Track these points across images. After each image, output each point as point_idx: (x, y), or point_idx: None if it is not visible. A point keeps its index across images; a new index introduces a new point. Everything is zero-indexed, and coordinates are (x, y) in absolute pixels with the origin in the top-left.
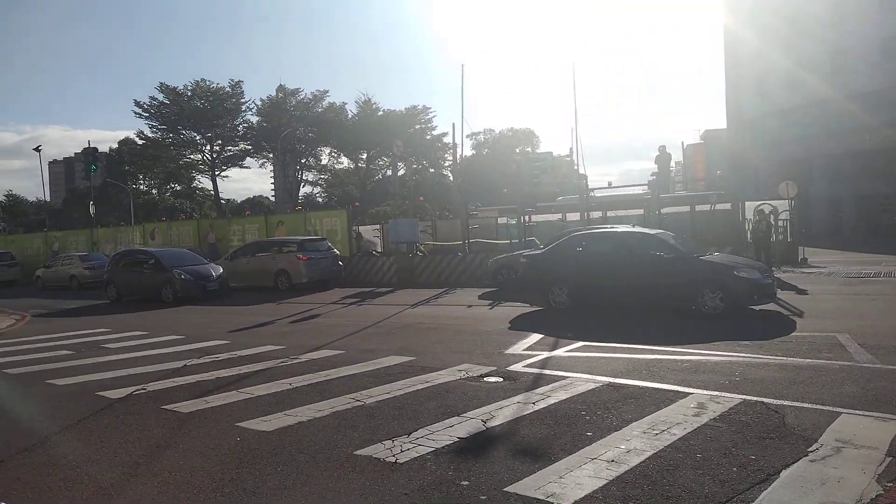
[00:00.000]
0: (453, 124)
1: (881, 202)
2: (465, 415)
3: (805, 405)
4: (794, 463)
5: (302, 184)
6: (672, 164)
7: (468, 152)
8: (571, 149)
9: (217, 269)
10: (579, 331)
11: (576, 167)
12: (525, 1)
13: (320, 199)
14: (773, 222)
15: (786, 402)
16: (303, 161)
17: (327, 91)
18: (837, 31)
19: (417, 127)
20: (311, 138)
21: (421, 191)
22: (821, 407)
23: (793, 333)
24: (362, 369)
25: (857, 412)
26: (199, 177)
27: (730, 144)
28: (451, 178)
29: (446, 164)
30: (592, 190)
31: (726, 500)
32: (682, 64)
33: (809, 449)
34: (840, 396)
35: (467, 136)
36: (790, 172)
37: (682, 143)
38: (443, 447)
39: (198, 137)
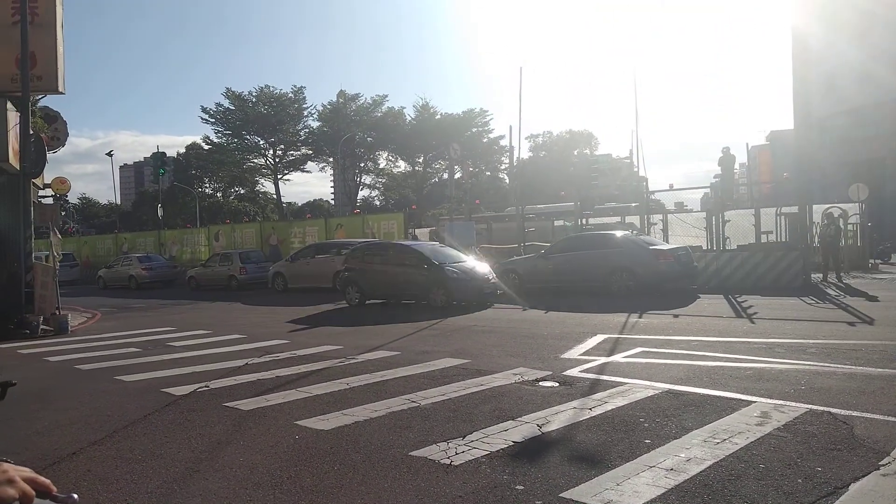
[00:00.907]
0: (510, 126)
1: None
2: (519, 419)
3: (876, 416)
4: (864, 476)
5: (360, 187)
6: (736, 165)
7: (525, 154)
8: (631, 150)
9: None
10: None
11: (636, 169)
12: (585, 2)
13: (378, 203)
14: (842, 226)
15: (855, 413)
16: (361, 165)
17: (387, 96)
18: None
19: (474, 130)
20: (369, 143)
21: (477, 193)
22: (893, 419)
23: (862, 341)
24: (418, 370)
25: None
26: (262, 180)
27: (796, 145)
28: (508, 181)
29: (503, 166)
30: (653, 192)
31: None
32: (747, 63)
33: (881, 462)
34: None
35: (525, 139)
36: (861, 174)
37: (747, 144)
38: (497, 451)
39: (261, 142)
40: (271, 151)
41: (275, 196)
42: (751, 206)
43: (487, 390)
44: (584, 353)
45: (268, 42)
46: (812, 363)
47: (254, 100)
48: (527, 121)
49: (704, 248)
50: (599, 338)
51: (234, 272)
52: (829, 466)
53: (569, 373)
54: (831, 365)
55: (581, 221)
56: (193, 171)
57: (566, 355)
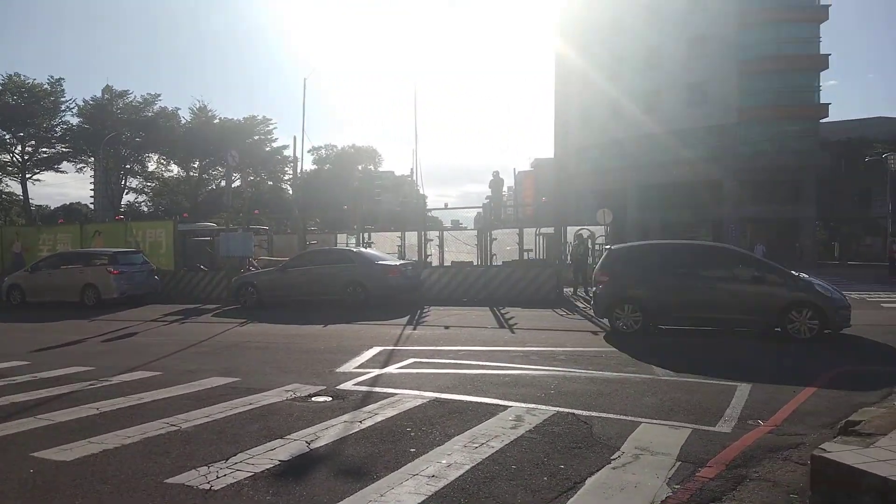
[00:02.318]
0: (294, 137)
1: (684, 230)
2: (288, 437)
3: (611, 415)
4: (598, 470)
5: (125, 191)
6: (505, 188)
7: (309, 167)
8: (412, 169)
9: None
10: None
11: (417, 187)
12: (370, 21)
13: (146, 209)
14: (590, 246)
15: (594, 413)
16: (127, 167)
17: (159, 95)
18: (654, 72)
19: (256, 137)
20: (137, 143)
21: (258, 204)
22: (624, 417)
23: (603, 349)
24: (181, 391)
25: (655, 421)
26: (7, 179)
27: (556, 172)
28: (291, 192)
29: (286, 177)
30: (430, 210)
31: None
32: (522, 93)
33: (612, 457)
34: (641, 407)
35: (308, 151)
36: (608, 200)
37: (514, 169)
38: (262, 471)
39: (7, 136)
40: (19, 147)
41: (21, 197)
42: (516, 225)
43: (256, 409)
44: (359, 367)
45: (27, 32)
46: (561, 369)
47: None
48: (311, 132)
49: (475, 263)
50: (375, 350)
51: None
52: (570, 463)
53: (342, 386)
54: (577, 370)
55: (362, 236)
56: None
57: (341, 369)
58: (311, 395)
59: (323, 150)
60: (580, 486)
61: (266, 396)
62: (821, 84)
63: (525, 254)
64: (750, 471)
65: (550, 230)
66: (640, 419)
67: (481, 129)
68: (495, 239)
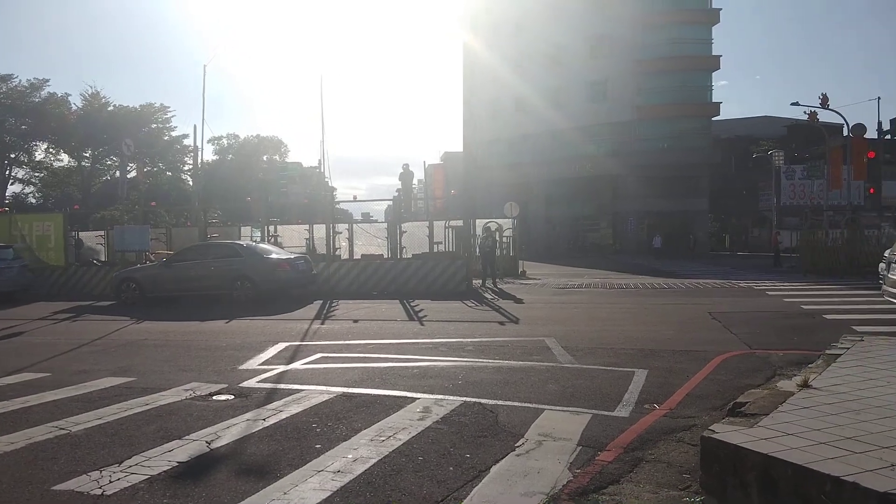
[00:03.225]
0: (195, 126)
1: (586, 223)
2: (187, 437)
3: (516, 403)
4: (503, 458)
5: (10, 181)
6: (415, 181)
7: (211, 157)
8: (320, 160)
9: None
10: None
11: (326, 179)
12: (275, 7)
13: (33, 201)
14: (498, 238)
15: (500, 402)
16: (12, 156)
17: (48, 80)
18: (557, 69)
19: (154, 126)
20: (24, 131)
21: (156, 195)
22: (528, 405)
23: (509, 338)
24: (71, 393)
25: (558, 408)
26: None
27: (465, 166)
28: (191, 184)
29: (186, 167)
30: (338, 202)
31: (442, 498)
32: (432, 87)
33: (517, 444)
34: (544, 394)
35: (210, 141)
36: (514, 194)
37: (424, 162)
38: (159, 474)
39: None
40: None
41: None
42: (426, 218)
43: (153, 410)
44: (263, 363)
45: None
46: (469, 359)
47: None
48: (213, 122)
49: (386, 255)
50: (281, 346)
51: None
52: (476, 452)
53: (246, 384)
54: (484, 360)
55: (267, 229)
56: None
57: (244, 366)
58: (211, 394)
59: (225, 140)
60: (485, 474)
61: (163, 396)
62: (713, 84)
63: (435, 246)
64: (646, 453)
65: (460, 223)
66: (543, 406)
67: (391, 121)
68: (405, 231)
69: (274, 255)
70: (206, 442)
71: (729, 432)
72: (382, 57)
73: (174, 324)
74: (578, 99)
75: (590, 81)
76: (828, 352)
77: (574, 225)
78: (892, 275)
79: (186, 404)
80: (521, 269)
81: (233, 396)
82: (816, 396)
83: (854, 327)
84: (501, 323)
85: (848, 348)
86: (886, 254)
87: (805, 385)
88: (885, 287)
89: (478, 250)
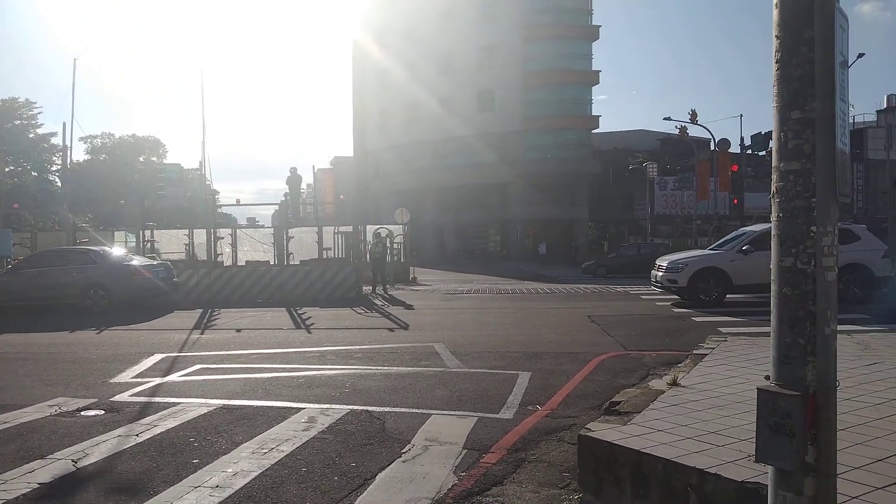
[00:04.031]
0: (63, 124)
1: (475, 230)
2: (51, 456)
3: (403, 410)
4: (388, 465)
5: None
6: (304, 186)
7: (82, 157)
8: (201, 162)
9: None
10: None
11: (207, 182)
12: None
13: None
14: (388, 245)
15: (387, 409)
16: None
17: None
18: (447, 78)
19: (17, 122)
20: None
21: (20, 197)
22: (416, 410)
23: (399, 345)
24: None
25: (445, 412)
26: None
27: (355, 172)
28: (60, 185)
29: (54, 167)
30: (220, 206)
31: None
32: (322, 90)
33: (403, 450)
34: (432, 399)
35: (81, 139)
36: (405, 201)
37: (314, 166)
38: (17, 497)
39: None
40: None
41: None
42: (315, 224)
43: (12, 428)
44: (137, 376)
45: None
46: (357, 367)
47: None
48: (85, 120)
49: (272, 262)
50: (157, 357)
51: None
52: (362, 461)
53: (117, 398)
54: (372, 367)
55: (143, 234)
56: None
57: (116, 379)
58: (79, 409)
59: (98, 140)
60: (371, 482)
61: (25, 413)
62: (593, 98)
63: (324, 253)
64: (528, 453)
65: (349, 228)
66: (430, 411)
67: (279, 124)
68: (293, 237)
69: (131, 262)
70: (73, 461)
71: (604, 430)
72: (270, 57)
73: (38, 335)
74: (469, 107)
75: (479, 90)
76: (695, 352)
77: (464, 232)
78: (656, 272)
79: (51, 421)
80: (411, 276)
81: (103, 411)
82: (684, 394)
83: (720, 329)
84: (391, 329)
85: (713, 348)
86: (657, 261)
87: (674, 384)
88: (653, 282)
89: (368, 256)
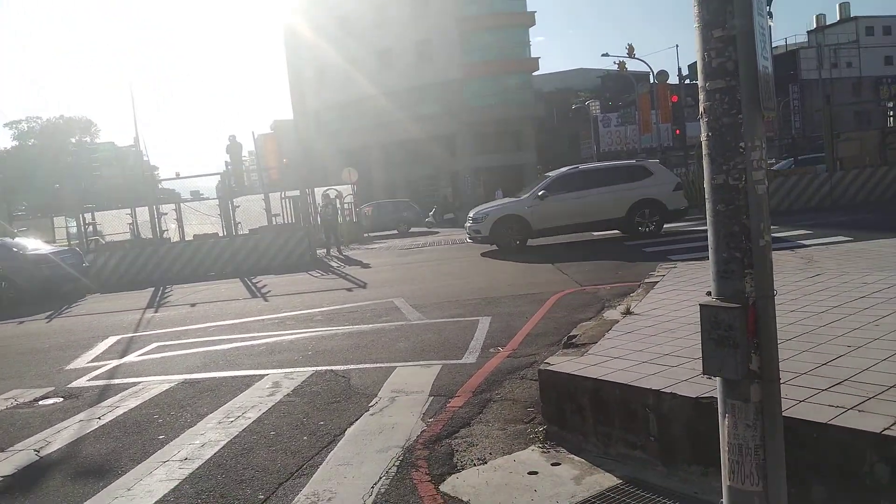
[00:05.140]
0: None
1: (426, 183)
2: (11, 449)
3: (367, 365)
4: (357, 420)
5: None
6: (245, 153)
7: (10, 143)
8: (136, 138)
9: None
10: None
11: (145, 158)
12: None
13: None
14: (339, 206)
15: (352, 366)
16: None
17: None
18: (381, 32)
19: None
20: None
21: None
22: (380, 364)
23: (358, 303)
24: None
25: (409, 363)
26: None
27: (296, 134)
28: None
29: None
30: (161, 181)
31: (297, 469)
32: (254, 52)
33: (370, 404)
34: (395, 352)
35: (6, 125)
36: (352, 160)
37: (253, 132)
38: None
39: None
40: None
41: None
42: (261, 191)
43: None
44: (93, 360)
45: None
46: (318, 329)
47: None
48: (6, 104)
49: (221, 234)
50: (111, 340)
51: None
52: (330, 418)
53: (75, 384)
54: (333, 328)
55: (83, 217)
56: None
57: (72, 366)
58: (36, 399)
59: (25, 124)
60: (340, 437)
61: None
62: (531, 40)
63: (273, 219)
64: (493, 394)
65: (297, 193)
66: (395, 364)
67: (214, 92)
68: (239, 206)
69: (34, 251)
70: (35, 450)
71: (563, 363)
72: (197, 20)
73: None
74: (406, 60)
75: (415, 41)
76: (646, 280)
77: (415, 186)
78: (468, 223)
79: (8, 414)
80: (365, 234)
81: (61, 399)
82: (638, 321)
83: (670, 257)
84: (349, 289)
85: (663, 275)
86: (469, 213)
87: (628, 312)
88: (466, 233)
89: (319, 219)
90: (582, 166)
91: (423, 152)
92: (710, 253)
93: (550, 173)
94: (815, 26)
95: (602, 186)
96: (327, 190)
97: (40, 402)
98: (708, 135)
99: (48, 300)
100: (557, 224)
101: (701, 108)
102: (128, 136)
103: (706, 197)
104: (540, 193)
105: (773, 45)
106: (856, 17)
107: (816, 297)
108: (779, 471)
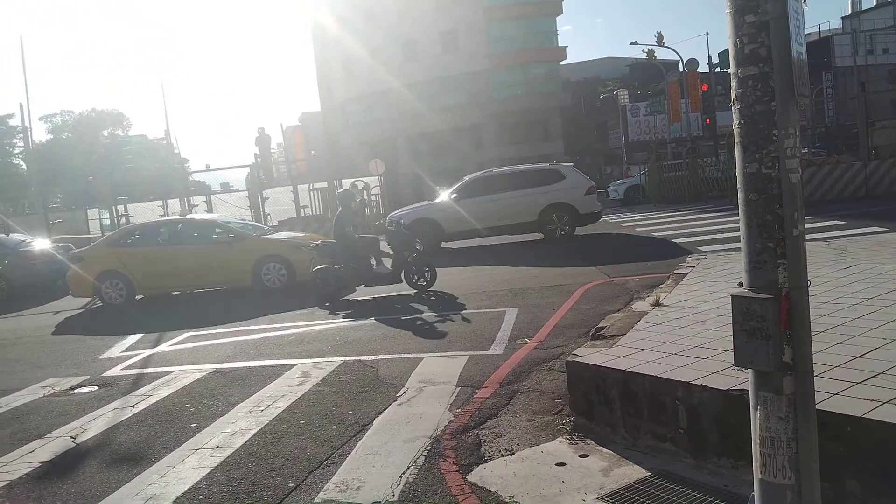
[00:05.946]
0: (20, 104)
1: (452, 174)
2: (49, 435)
3: (395, 356)
4: (385, 409)
5: None
6: (274, 145)
7: (44, 137)
8: (167, 131)
9: None
10: None
11: (176, 150)
12: None
13: None
14: (366, 197)
15: (380, 357)
16: None
17: None
18: (406, 24)
19: None
20: None
21: None
22: (408, 355)
23: (386, 294)
24: None
25: (436, 354)
26: None
27: (324, 126)
28: (25, 168)
29: (16, 150)
30: (192, 173)
31: (326, 457)
32: (283, 45)
33: (398, 394)
34: (423, 344)
35: (41, 119)
36: (378, 152)
37: (282, 125)
38: (20, 477)
39: None
40: None
41: None
42: (290, 183)
43: (7, 412)
44: (126, 350)
45: None
46: (347, 321)
47: None
48: (41, 99)
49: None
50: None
51: None
52: (358, 408)
53: (109, 373)
54: (362, 320)
55: (116, 209)
56: None
57: (106, 355)
58: (72, 388)
59: (59, 118)
60: (369, 427)
61: (18, 396)
62: (558, 29)
63: (301, 211)
64: (521, 385)
65: (325, 184)
66: (422, 355)
67: (244, 85)
68: (268, 198)
69: (30, 248)
70: (71, 437)
71: (591, 354)
72: (227, 15)
73: (27, 318)
74: (431, 51)
75: (441, 32)
76: (676, 272)
77: (441, 178)
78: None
79: (45, 401)
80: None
81: (96, 387)
82: (667, 313)
83: (700, 248)
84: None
85: (693, 266)
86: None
87: (657, 304)
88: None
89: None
90: (496, 170)
91: (448, 144)
92: (742, 243)
93: (466, 177)
94: (849, 12)
95: (514, 190)
96: (355, 181)
97: (76, 391)
98: (740, 123)
99: (49, 295)
100: (470, 227)
101: (733, 96)
102: (159, 128)
103: (738, 186)
104: (452, 196)
105: (806, 32)
106: (893, 2)
107: (850, 289)
108: (812, 464)
